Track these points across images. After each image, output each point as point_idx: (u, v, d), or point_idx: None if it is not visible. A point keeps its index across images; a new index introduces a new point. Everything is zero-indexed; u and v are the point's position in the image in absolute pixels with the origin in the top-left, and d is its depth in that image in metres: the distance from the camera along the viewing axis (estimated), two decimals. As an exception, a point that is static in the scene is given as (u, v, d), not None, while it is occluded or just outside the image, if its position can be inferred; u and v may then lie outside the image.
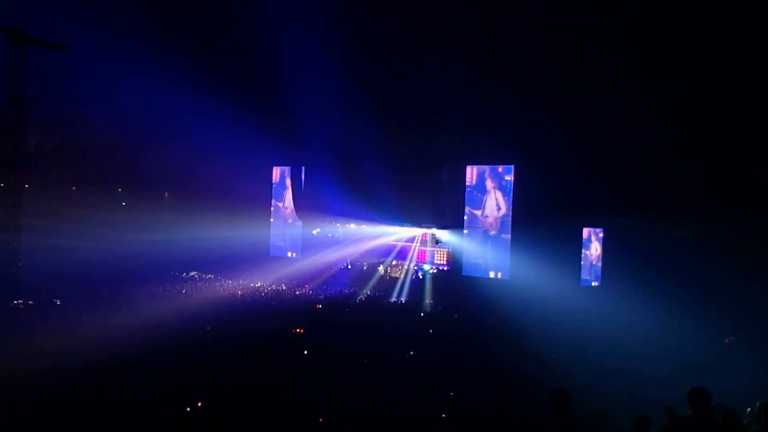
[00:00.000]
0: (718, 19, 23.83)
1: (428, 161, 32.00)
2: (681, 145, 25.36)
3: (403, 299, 29.85)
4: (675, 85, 25.39)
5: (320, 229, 35.80)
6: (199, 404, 11.42)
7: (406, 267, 33.39)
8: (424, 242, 33.59)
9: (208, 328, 18.37)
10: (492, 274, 30.39)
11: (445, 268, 32.78)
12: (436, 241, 33.25)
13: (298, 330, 18.52)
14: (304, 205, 35.49)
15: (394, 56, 30.56)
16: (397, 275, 33.27)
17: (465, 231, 31.20)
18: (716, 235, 24.31)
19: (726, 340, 19.68)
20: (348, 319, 21.68)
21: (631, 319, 21.42)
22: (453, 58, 29.43)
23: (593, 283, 29.42)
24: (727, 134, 24.64)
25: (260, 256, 34.42)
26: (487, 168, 30.62)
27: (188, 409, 11.33)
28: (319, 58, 30.23)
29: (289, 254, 35.57)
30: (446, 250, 32.71)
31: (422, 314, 23.06)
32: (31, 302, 21.56)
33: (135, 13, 28.96)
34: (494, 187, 30.66)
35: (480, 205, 30.79)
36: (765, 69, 22.97)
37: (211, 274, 30.34)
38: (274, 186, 36.22)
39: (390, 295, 30.31)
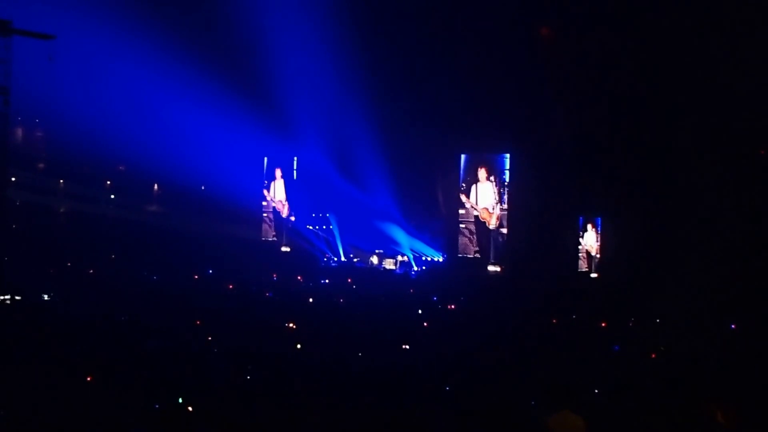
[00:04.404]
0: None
1: (422, 150, 31.79)
2: (678, 134, 25.22)
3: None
4: (672, 73, 25.22)
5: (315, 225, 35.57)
6: (189, 408, 11.14)
7: (400, 259, 33.17)
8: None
9: (198, 322, 18.08)
10: (490, 267, 30.18)
11: (440, 260, 32.60)
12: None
13: (290, 325, 18.26)
14: (297, 197, 35.21)
15: (387, 44, 30.30)
16: (390, 267, 33.05)
17: (465, 225, 30.87)
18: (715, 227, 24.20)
19: None
20: (340, 313, 21.45)
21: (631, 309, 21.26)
22: (448, 47, 29.16)
23: (592, 274, 29.29)
24: (726, 124, 24.51)
25: (252, 250, 34.13)
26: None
27: (180, 400, 11.12)
28: (308, 47, 29.92)
29: (284, 248, 35.25)
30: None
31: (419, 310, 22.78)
32: (18, 297, 21.18)
33: (123, 3, 28.57)
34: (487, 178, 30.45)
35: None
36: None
37: (201, 268, 30.02)
38: (265, 178, 35.84)
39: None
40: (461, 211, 31.04)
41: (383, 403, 11.64)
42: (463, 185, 30.97)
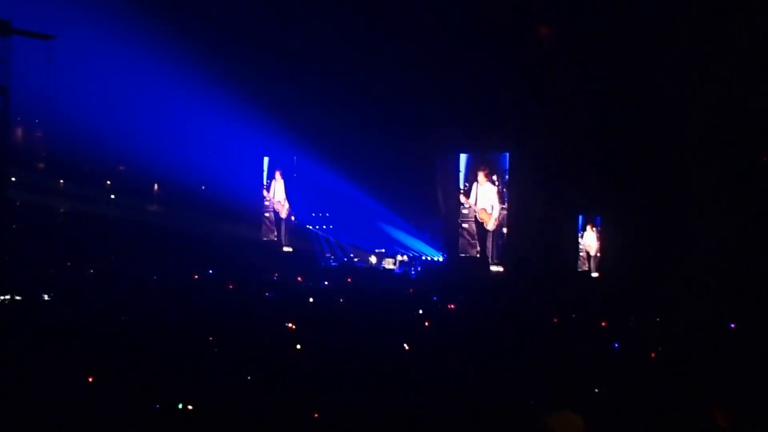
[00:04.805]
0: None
1: (420, 149, 31.81)
2: (679, 133, 25.20)
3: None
4: (673, 72, 25.21)
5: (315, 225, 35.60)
6: (190, 407, 11.12)
7: (399, 258, 33.18)
8: None
9: (197, 324, 18.03)
10: (492, 267, 30.16)
11: (440, 259, 32.62)
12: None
13: (290, 325, 18.24)
14: (297, 197, 35.22)
15: (386, 43, 30.29)
16: (390, 266, 33.07)
17: (465, 225, 30.84)
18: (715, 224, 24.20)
19: None
20: (339, 311, 21.44)
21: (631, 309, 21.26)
22: (448, 45, 29.15)
23: (593, 274, 29.26)
24: (726, 124, 24.51)
25: (252, 250, 34.11)
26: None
27: (179, 406, 11.07)
28: (308, 46, 29.92)
29: (285, 248, 35.22)
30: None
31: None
32: (18, 297, 21.13)
33: (122, 3, 28.56)
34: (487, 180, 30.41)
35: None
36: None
37: (201, 267, 29.98)
38: (266, 178, 35.81)
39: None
40: (464, 211, 31.03)
41: (383, 402, 11.63)
42: (466, 184, 30.97)
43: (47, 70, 23.87)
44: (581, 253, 30.07)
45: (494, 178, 30.28)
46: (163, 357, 14.18)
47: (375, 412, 11.20)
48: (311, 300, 23.84)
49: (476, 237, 30.59)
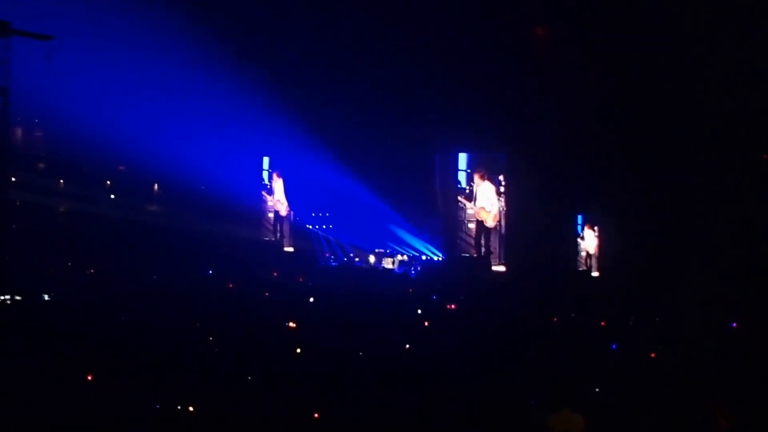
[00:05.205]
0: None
1: (419, 149, 31.77)
2: (678, 132, 25.21)
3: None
4: (672, 71, 25.21)
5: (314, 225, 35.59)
6: (190, 408, 11.14)
7: (399, 258, 33.17)
8: None
9: (197, 324, 18.06)
10: (494, 267, 30.16)
11: (440, 258, 32.61)
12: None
13: (291, 324, 18.27)
14: (297, 197, 35.21)
15: (384, 43, 30.28)
16: (389, 266, 33.06)
17: (465, 224, 30.82)
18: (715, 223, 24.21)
19: None
20: (339, 311, 21.45)
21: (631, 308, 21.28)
22: (445, 45, 29.13)
23: (593, 273, 29.27)
24: (726, 124, 24.51)
25: (252, 250, 34.09)
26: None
27: (179, 407, 11.09)
28: (307, 45, 29.92)
29: (286, 249, 35.20)
30: None
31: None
32: (18, 297, 21.13)
33: (122, 3, 28.57)
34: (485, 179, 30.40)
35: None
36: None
37: (201, 267, 29.99)
38: (266, 178, 35.79)
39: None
40: (469, 211, 31.02)
41: (383, 403, 11.63)
42: (471, 184, 30.96)
43: (47, 70, 23.85)
44: (581, 253, 30.07)
45: (493, 177, 30.29)
46: (163, 357, 14.19)
47: (375, 412, 11.21)
48: (311, 300, 23.86)
49: (476, 236, 30.61)
